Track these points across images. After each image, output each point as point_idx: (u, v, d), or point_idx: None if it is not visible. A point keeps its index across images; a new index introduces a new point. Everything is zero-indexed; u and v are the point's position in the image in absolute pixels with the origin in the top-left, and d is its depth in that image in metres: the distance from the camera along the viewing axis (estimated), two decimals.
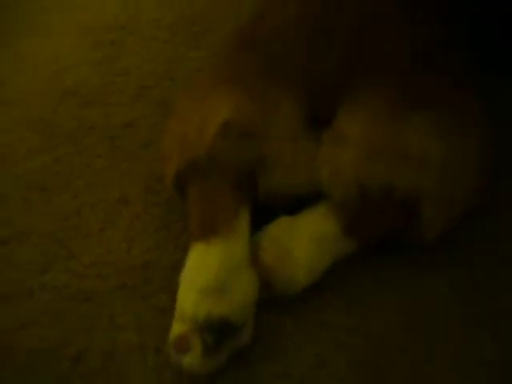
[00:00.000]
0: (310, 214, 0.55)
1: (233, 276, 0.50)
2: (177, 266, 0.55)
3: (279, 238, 0.53)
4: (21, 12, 0.94)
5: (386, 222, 0.54)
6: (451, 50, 0.60)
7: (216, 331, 0.48)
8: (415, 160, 0.51)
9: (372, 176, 0.51)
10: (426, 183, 0.51)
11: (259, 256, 0.52)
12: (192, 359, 0.48)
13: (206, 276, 0.50)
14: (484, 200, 0.58)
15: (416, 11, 0.60)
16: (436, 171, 0.51)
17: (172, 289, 0.53)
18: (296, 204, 0.57)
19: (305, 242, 0.53)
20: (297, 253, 0.52)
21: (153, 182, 0.66)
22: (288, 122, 0.54)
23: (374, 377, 0.51)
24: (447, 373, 0.52)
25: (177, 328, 0.49)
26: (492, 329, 0.54)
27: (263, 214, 0.56)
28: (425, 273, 0.57)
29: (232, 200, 0.54)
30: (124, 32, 0.89)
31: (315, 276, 0.53)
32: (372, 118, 0.52)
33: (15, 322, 0.55)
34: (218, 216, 0.53)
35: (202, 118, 0.56)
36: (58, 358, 0.52)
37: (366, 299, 0.56)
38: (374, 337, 0.53)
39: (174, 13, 0.93)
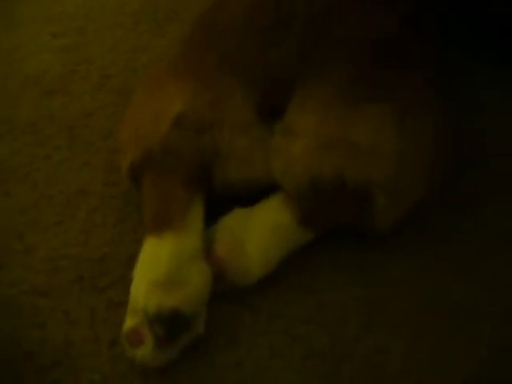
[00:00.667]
0: (264, 206, 0.55)
1: (184, 269, 0.50)
2: (133, 259, 0.54)
3: (233, 230, 0.53)
4: None
5: (340, 212, 0.54)
6: (412, 36, 0.60)
7: (167, 323, 0.48)
8: (365, 152, 0.51)
9: (322, 168, 0.51)
10: (378, 175, 0.51)
11: (212, 248, 0.52)
12: (144, 352, 0.48)
13: (157, 269, 0.50)
14: (439, 190, 0.58)
15: None
16: (387, 164, 0.52)
17: (128, 282, 0.53)
18: (254, 195, 0.57)
19: (259, 233, 0.53)
20: (250, 244, 0.52)
21: (111, 173, 0.66)
22: (241, 113, 0.54)
23: (328, 368, 0.51)
24: (402, 362, 0.52)
25: (129, 321, 0.49)
26: (448, 317, 0.54)
27: (220, 206, 0.56)
28: (382, 259, 0.57)
29: (185, 193, 0.53)
30: (87, 19, 0.88)
31: (270, 267, 0.54)
32: (322, 108, 0.51)
33: None
34: (171, 209, 0.53)
35: (156, 110, 0.56)
36: (12, 354, 0.52)
37: (322, 287, 0.56)
38: (329, 327, 0.54)
39: (137, 1, 0.91)
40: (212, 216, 0.56)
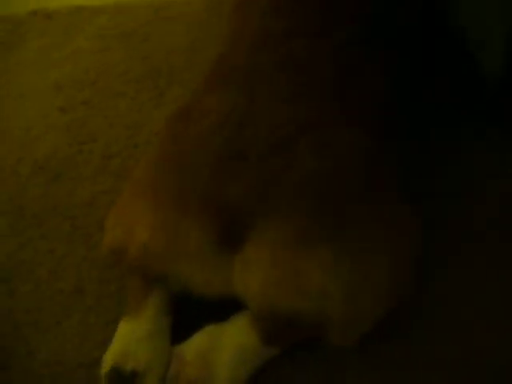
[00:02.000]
0: (232, 326, 0.57)
1: (132, 345, 0.58)
2: None
3: (202, 352, 0.56)
4: None
5: (301, 333, 0.56)
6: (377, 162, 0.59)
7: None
8: (317, 294, 0.52)
9: (277, 302, 0.53)
10: (329, 312, 0.53)
11: (182, 369, 0.55)
12: None
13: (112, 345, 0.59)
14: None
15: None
16: (338, 302, 0.53)
17: None
18: None
19: (227, 354, 0.56)
20: (219, 365, 0.55)
21: (107, 270, 0.70)
22: (199, 246, 0.56)
23: None
24: None
25: None
26: None
27: None
28: (350, 370, 0.59)
29: (144, 285, 0.60)
30: (93, 89, 0.92)
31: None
32: (279, 245, 0.53)
33: None
34: (132, 297, 0.60)
35: (130, 224, 0.60)
36: None
37: None
38: None
39: (141, 64, 0.94)
40: None
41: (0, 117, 0.91)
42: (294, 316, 0.53)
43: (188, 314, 0.62)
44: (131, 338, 0.59)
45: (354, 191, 0.55)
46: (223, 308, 0.59)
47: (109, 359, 0.59)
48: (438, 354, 0.60)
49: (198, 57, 0.93)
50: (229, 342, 0.56)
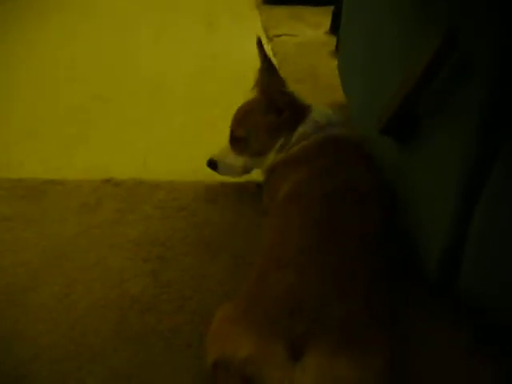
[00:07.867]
0: None
1: None
2: None
3: None
4: None
5: None
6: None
7: None
8: None
9: None
10: None
11: None
12: None
13: None
14: None
15: None
16: None
17: None
18: None
19: None
20: None
21: None
22: (278, 357, 0.95)
23: None
24: None
25: None
26: None
27: None
28: None
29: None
30: (164, 248, 1.34)
31: None
32: (326, 357, 0.92)
33: None
34: None
35: (232, 346, 0.98)
36: None
37: None
38: None
39: (196, 232, 1.38)
40: None
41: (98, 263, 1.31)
42: None
43: None
44: None
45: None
46: None
47: None
48: None
49: (233, 231, 1.39)
50: None
